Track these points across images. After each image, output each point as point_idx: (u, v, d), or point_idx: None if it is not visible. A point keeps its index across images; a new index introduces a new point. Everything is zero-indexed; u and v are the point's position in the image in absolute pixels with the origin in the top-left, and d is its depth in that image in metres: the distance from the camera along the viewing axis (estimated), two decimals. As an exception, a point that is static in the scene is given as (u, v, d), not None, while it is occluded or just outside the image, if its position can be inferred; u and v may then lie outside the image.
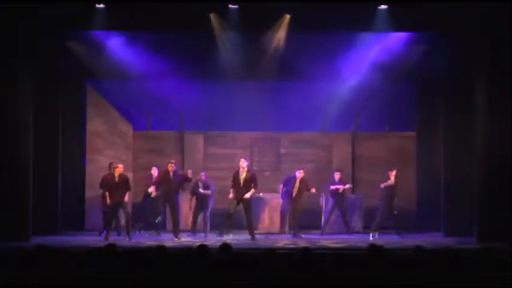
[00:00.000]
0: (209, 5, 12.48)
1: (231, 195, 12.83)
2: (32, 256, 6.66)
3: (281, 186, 13.92)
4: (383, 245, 7.19)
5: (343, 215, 14.27)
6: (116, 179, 12.75)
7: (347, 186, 14.09)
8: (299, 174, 13.64)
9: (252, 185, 12.79)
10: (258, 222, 14.32)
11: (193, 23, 12.65)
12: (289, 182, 13.72)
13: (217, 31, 12.91)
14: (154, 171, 14.15)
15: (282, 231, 14.05)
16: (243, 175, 12.84)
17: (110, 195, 12.73)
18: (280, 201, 14.19)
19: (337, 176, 14.22)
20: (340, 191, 13.97)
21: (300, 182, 13.57)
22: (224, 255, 6.76)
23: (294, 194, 13.52)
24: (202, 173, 14.16)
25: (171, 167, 13.05)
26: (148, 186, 13.87)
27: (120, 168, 12.79)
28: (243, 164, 12.88)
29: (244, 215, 12.95)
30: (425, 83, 15.06)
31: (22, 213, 12.16)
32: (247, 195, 12.72)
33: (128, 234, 12.64)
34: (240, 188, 12.80)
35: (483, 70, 12.29)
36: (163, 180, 13.08)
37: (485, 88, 12.25)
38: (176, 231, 12.87)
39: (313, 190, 13.56)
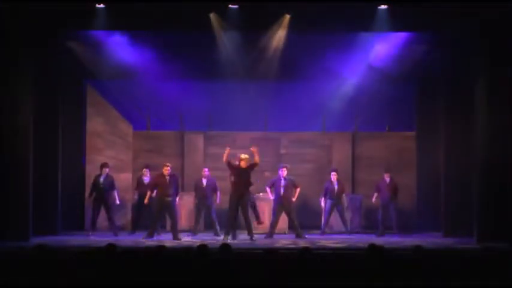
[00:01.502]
0: (209, 5, 12.48)
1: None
2: (32, 256, 6.66)
3: (268, 189, 13.79)
4: (383, 245, 7.19)
5: (341, 214, 14.28)
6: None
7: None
8: (282, 172, 13.53)
9: (253, 164, 12.59)
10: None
11: (193, 23, 12.65)
12: (275, 182, 13.61)
13: (217, 31, 12.91)
14: (147, 173, 14.14)
15: (271, 231, 13.78)
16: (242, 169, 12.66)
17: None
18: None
19: (333, 176, 14.24)
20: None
21: (285, 180, 13.49)
22: (224, 255, 6.76)
23: (282, 193, 13.40)
24: (206, 169, 14.20)
25: (166, 171, 12.98)
26: (139, 189, 13.98)
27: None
28: (243, 156, 12.69)
29: (242, 215, 12.92)
30: (425, 83, 15.06)
31: (22, 213, 12.15)
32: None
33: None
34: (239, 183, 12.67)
35: (483, 70, 12.28)
36: (159, 185, 12.99)
37: (485, 88, 12.24)
38: (176, 233, 12.77)
39: (298, 189, 13.55)
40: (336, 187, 14.16)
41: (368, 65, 14.38)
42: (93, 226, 13.54)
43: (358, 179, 16.17)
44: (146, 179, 14.10)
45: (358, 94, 15.07)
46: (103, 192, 13.62)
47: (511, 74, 11.96)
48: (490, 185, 12.10)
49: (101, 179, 13.67)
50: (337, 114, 15.80)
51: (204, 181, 14.07)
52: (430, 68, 14.33)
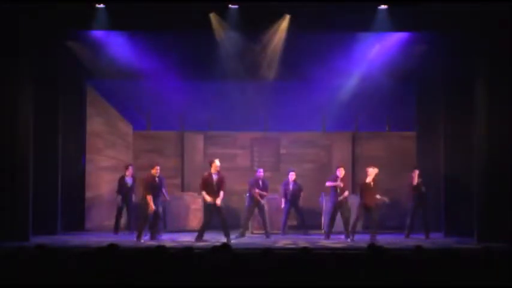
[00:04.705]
0: (209, 5, 12.48)
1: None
2: (32, 256, 6.65)
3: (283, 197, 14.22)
4: (383, 245, 7.19)
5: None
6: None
7: (346, 194, 13.30)
8: (291, 176, 14.17)
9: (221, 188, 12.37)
10: (258, 222, 14.35)
11: (193, 23, 12.65)
12: (285, 187, 14.24)
13: (217, 31, 12.91)
14: (130, 171, 14.06)
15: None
16: (214, 177, 12.42)
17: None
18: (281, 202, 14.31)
19: (339, 172, 13.41)
20: (340, 198, 13.21)
21: (294, 184, 14.21)
22: (224, 255, 6.75)
23: (289, 197, 14.10)
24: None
25: (155, 171, 12.56)
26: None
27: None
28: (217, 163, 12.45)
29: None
30: (425, 83, 15.06)
31: (22, 213, 12.14)
32: (218, 201, 12.26)
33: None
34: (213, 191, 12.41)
35: (483, 70, 12.28)
36: (151, 186, 12.54)
37: (485, 88, 12.24)
38: (155, 232, 12.53)
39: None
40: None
41: (368, 65, 14.38)
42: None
43: (358, 179, 16.15)
44: (129, 179, 14.04)
45: (358, 94, 15.07)
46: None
47: (511, 74, 11.96)
48: (490, 184, 12.10)
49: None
50: (337, 114, 15.82)
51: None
52: (430, 68, 14.34)
